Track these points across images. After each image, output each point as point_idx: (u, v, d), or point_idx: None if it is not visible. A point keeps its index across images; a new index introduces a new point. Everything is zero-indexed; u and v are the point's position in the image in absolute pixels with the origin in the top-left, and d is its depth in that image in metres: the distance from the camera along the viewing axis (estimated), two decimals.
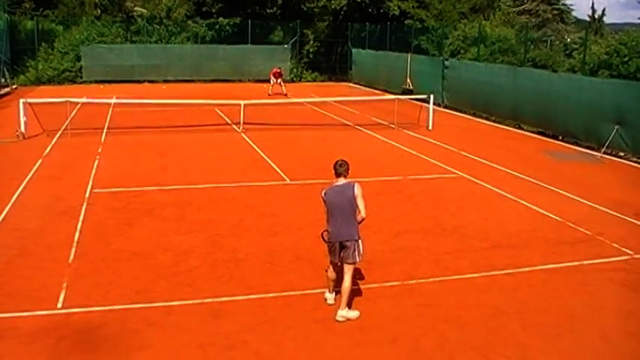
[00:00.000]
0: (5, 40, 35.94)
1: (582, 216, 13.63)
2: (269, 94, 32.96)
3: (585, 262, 11.04)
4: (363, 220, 8.87)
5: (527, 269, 10.66)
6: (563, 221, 13.23)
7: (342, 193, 8.82)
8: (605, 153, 20.28)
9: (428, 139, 22.21)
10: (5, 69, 35.48)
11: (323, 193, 8.89)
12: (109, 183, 15.51)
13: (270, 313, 8.85)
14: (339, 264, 8.96)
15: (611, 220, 13.57)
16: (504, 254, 11.33)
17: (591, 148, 21.14)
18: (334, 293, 9.18)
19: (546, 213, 13.78)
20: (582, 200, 14.91)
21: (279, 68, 35.08)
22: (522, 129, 25.25)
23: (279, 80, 34.17)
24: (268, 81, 34.52)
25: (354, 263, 8.88)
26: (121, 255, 10.85)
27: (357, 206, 8.78)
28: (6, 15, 37.49)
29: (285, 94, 33.19)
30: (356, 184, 8.91)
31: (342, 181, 8.96)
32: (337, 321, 8.65)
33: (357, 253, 8.81)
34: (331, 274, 9.11)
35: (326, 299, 9.21)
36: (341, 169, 8.99)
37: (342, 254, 8.82)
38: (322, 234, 8.96)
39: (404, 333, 8.36)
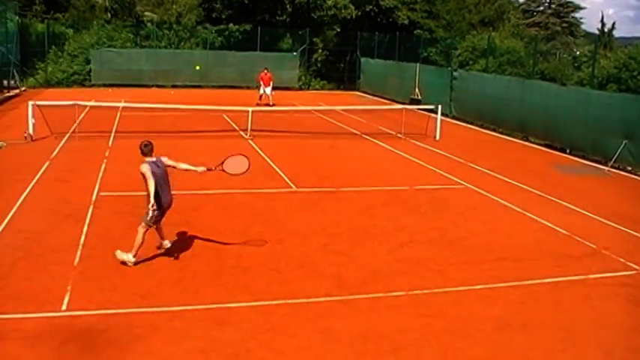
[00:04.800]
0: (15, 43, 36.15)
1: (589, 230, 13.59)
2: (267, 104, 31.51)
3: (591, 276, 11.00)
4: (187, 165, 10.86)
5: (532, 282, 10.62)
6: (570, 235, 13.19)
7: (160, 166, 10.50)
8: (612, 167, 20.23)
9: (435, 150, 22.20)
10: (15, 71, 35.66)
11: (147, 169, 10.22)
12: (115, 187, 15.54)
13: (273, 320, 8.83)
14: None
15: (617, 234, 13.53)
16: (510, 266, 11.30)
17: (599, 162, 21.10)
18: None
19: (553, 226, 13.75)
20: (589, 214, 14.87)
21: (268, 71, 32.90)
22: (530, 141, 25.21)
23: (267, 88, 32.32)
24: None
25: None
26: None
27: (175, 166, 10.74)
28: (17, 17, 37.75)
29: (272, 104, 31.63)
30: (162, 157, 10.67)
31: (153, 157, 10.51)
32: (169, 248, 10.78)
33: None
34: (142, 238, 10.48)
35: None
36: (147, 149, 10.51)
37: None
38: (151, 211, 10.21)
39: (407, 343, 8.33)
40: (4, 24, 35.18)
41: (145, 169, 10.24)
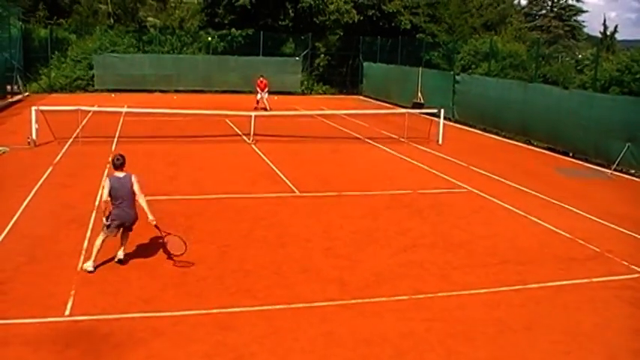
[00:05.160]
0: (19, 48, 36.26)
1: (592, 233, 13.58)
2: (263, 108, 31.74)
3: (594, 280, 10.99)
4: (146, 202, 10.60)
5: (535, 285, 10.62)
6: (573, 238, 13.18)
7: (124, 183, 10.50)
8: (615, 170, 20.21)
9: (438, 154, 22.20)
10: (18, 76, 35.75)
11: (108, 181, 10.50)
12: None
13: (277, 324, 8.84)
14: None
15: (620, 237, 13.52)
16: (513, 270, 11.30)
17: (601, 165, 21.07)
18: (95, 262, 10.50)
19: (555, 229, 13.74)
20: (592, 217, 14.86)
21: (265, 78, 33.66)
22: (532, 145, 25.20)
23: (264, 93, 33.04)
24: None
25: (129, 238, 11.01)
26: (130, 264, 10.86)
27: (134, 192, 10.52)
28: (20, 23, 37.86)
29: (269, 109, 31.90)
30: (133, 175, 10.63)
31: (122, 173, 10.60)
32: (120, 259, 10.74)
33: (132, 230, 10.93)
34: (101, 243, 10.50)
35: (87, 266, 10.42)
36: (118, 162, 10.62)
37: (122, 230, 10.76)
38: (107, 216, 10.51)
39: (411, 347, 8.34)
40: (8, 29, 35.32)
41: (104, 183, 10.63)
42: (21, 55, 36.67)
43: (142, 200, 10.55)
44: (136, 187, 10.52)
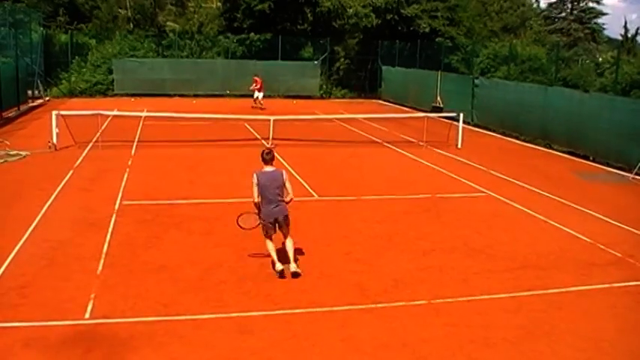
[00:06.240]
0: (40, 53, 36.59)
1: (613, 238, 13.44)
2: (259, 108, 33.16)
3: (615, 285, 10.88)
4: (291, 200, 10.85)
5: (556, 291, 10.53)
6: (594, 243, 13.06)
7: (273, 178, 10.58)
8: (637, 174, 19.96)
9: (457, 158, 22.11)
10: (39, 81, 36.07)
11: (255, 177, 10.55)
12: (138, 195, 15.63)
13: (296, 329, 8.83)
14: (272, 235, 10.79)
15: None
16: (533, 275, 11.21)
17: (623, 169, 20.84)
18: (281, 262, 10.52)
19: (576, 234, 13.62)
20: (613, 222, 14.71)
21: (259, 77, 35.09)
22: (552, 149, 24.99)
23: (259, 93, 34.47)
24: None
25: (289, 229, 10.83)
26: (149, 267, 10.92)
27: (286, 189, 10.68)
28: (41, 28, 38.23)
29: (263, 109, 33.07)
30: (284, 171, 10.80)
31: (270, 168, 10.68)
32: (296, 273, 10.50)
33: (289, 222, 10.79)
34: (272, 245, 10.67)
35: (277, 269, 10.49)
36: (268, 157, 10.70)
37: (277, 227, 10.74)
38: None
39: (430, 353, 8.29)
40: (29, 35, 35.67)
41: (253, 178, 10.61)
42: (42, 60, 37.03)
43: (289, 196, 10.81)
44: (287, 185, 10.71)
